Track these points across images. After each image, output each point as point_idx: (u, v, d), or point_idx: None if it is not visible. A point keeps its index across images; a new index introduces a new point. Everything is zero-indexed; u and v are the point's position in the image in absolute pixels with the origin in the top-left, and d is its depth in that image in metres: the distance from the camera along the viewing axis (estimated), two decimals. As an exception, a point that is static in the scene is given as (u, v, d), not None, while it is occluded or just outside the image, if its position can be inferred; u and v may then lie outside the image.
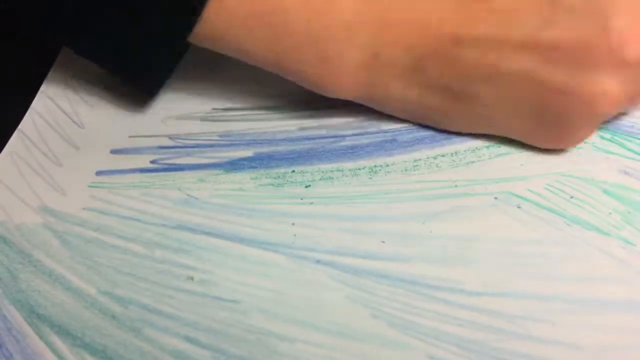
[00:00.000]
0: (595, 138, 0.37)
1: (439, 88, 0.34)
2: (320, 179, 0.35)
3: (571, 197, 0.34)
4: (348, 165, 0.36)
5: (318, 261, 0.31)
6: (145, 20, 0.33)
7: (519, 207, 0.34)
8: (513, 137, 0.36)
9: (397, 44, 0.33)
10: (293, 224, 0.33)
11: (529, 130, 0.35)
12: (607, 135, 0.37)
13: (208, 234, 0.33)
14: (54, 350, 0.29)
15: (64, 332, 0.30)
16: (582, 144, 0.36)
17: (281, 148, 0.37)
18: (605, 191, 0.34)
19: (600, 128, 0.37)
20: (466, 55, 0.33)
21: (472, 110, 0.35)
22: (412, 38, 0.33)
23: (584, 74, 0.31)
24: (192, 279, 0.31)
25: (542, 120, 0.34)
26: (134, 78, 0.38)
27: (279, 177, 0.36)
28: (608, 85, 0.31)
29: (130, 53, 0.35)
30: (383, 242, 0.32)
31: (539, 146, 0.36)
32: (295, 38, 0.33)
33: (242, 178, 0.36)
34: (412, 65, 0.34)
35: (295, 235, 0.33)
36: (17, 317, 0.30)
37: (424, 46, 0.33)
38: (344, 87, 0.35)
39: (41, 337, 0.30)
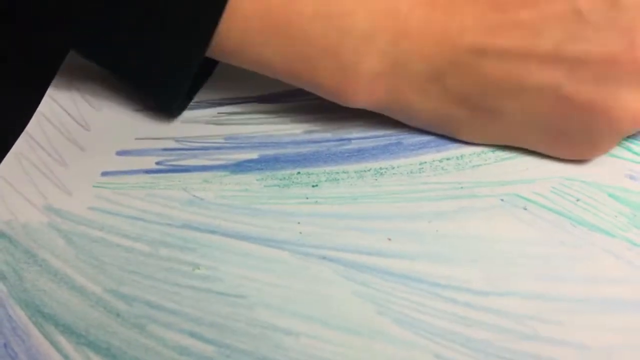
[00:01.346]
0: (601, 142, 0.37)
1: (458, 99, 0.33)
2: (325, 180, 0.35)
3: (577, 200, 0.34)
4: (353, 167, 0.36)
5: (324, 257, 0.31)
6: (162, 34, 0.33)
7: (525, 209, 0.33)
8: (532, 149, 0.35)
9: (415, 53, 0.32)
10: (299, 222, 0.33)
11: (550, 143, 0.35)
12: (613, 139, 0.37)
13: (213, 232, 0.33)
14: (59, 350, 0.29)
15: (69, 331, 0.30)
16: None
17: (287, 150, 0.37)
18: (611, 195, 0.34)
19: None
20: (488, 66, 0.32)
21: (492, 122, 0.34)
22: (431, 47, 0.32)
23: (609, 90, 0.31)
24: (198, 268, 0.31)
25: (564, 134, 0.33)
26: (154, 94, 0.38)
27: (284, 178, 0.36)
28: (632, 101, 0.31)
29: (147, 68, 0.35)
30: (389, 239, 0.32)
31: (562, 157, 0.35)
32: (312, 48, 0.32)
33: (248, 179, 0.36)
34: (431, 75, 0.33)
35: (300, 233, 0.33)
36: (22, 317, 0.30)
37: (443, 56, 0.32)
38: (361, 97, 0.34)
39: (46, 337, 0.29)
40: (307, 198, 0.34)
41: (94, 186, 0.36)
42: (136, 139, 0.38)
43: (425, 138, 0.37)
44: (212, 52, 0.33)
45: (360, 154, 0.37)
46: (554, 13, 0.31)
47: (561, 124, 0.33)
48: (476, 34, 0.31)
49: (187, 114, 0.40)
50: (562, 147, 0.35)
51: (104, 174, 0.36)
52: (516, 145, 0.36)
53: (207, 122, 0.39)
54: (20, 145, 0.38)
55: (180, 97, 0.37)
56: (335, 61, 0.32)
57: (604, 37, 0.30)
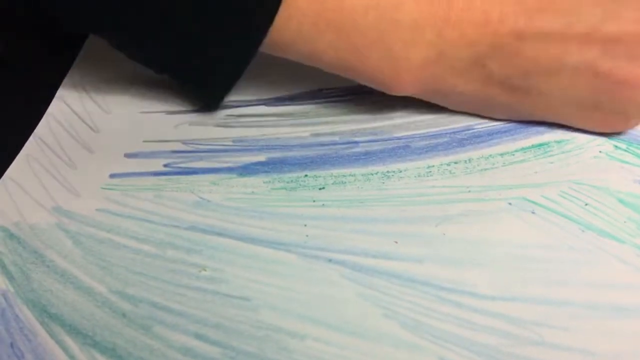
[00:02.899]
0: (609, 147, 0.36)
1: (499, 82, 0.35)
2: (332, 184, 0.35)
3: (586, 205, 0.34)
4: (361, 170, 0.36)
5: (330, 260, 0.31)
6: (218, 28, 0.33)
7: (533, 213, 0.33)
8: (569, 124, 0.37)
9: (459, 42, 0.33)
10: (305, 225, 0.33)
11: (585, 117, 0.36)
12: (622, 145, 0.37)
13: (220, 234, 0.33)
14: (65, 349, 0.29)
15: (75, 331, 0.30)
16: (597, 153, 0.36)
17: (294, 153, 0.37)
18: (620, 200, 0.34)
19: (615, 138, 0.37)
20: (527, 49, 0.33)
21: (532, 101, 0.36)
22: (473, 34, 0.33)
23: None
24: (204, 269, 0.31)
25: (599, 109, 0.35)
26: (199, 86, 0.39)
27: (291, 181, 0.36)
28: None
29: (198, 59, 0.36)
30: (396, 242, 0.32)
31: (596, 130, 0.37)
32: (363, 39, 0.33)
33: (255, 182, 0.36)
34: (473, 60, 0.34)
35: (307, 235, 0.33)
36: (29, 317, 0.30)
37: (485, 42, 0.33)
38: (407, 85, 0.35)
39: (52, 336, 0.29)
40: (314, 201, 0.34)
41: (102, 188, 0.36)
42: (144, 141, 0.39)
43: (433, 142, 0.37)
44: (266, 46, 0.34)
45: (367, 157, 0.37)
46: None
47: (597, 99, 0.35)
48: (516, 18, 0.33)
49: (195, 116, 0.40)
50: (597, 120, 0.36)
51: (112, 175, 0.36)
52: (552, 120, 0.37)
53: (216, 125, 0.39)
54: (29, 147, 0.38)
55: (229, 89, 0.39)
56: (386, 52, 0.33)
57: (638, 16, 0.33)
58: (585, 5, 0.33)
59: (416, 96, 0.37)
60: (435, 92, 0.37)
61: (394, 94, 0.36)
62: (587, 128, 0.37)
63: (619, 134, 0.37)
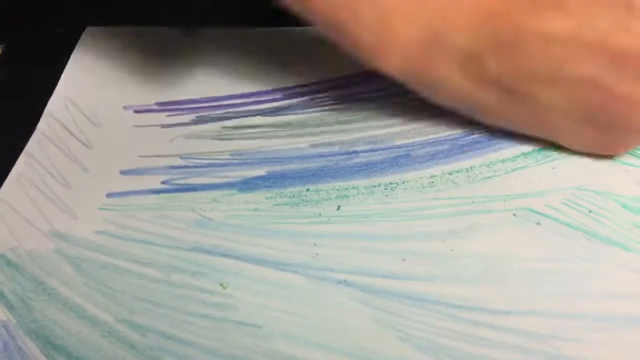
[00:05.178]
0: (611, 150, 0.36)
1: (493, 81, 0.33)
2: (335, 197, 0.35)
3: (590, 212, 0.34)
4: (363, 183, 0.36)
5: (339, 282, 0.31)
6: None
7: (538, 224, 0.33)
8: (559, 142, 0.35)
9: (459, 28, 0.32)
10: (315, 244, 0.33)
11: (580, 135, 0.34)
12: (624, 147, 0.36)
13: (225, 255, 0.32)
14: None
15: (82, 364, 0.29)
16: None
17: (294, 166, 0.37)
18: (624, 205, 0.34)
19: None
20: (528, 48, 0.31)
21: (523, 108, 0.34)
22: (475, 23, 0.32)
23: None
24: (222, 286, 0.31)
25: (596, 127, 0.33)
26: None
27: (293, 196, 0.35)
28: None
29: None
30: (404, 260, 0.32)
31: (584, 151, 0.35)
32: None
33: (257, 198, 0.35)
34: (470, 53, 0.32)
35: (314, 255, 0.32)
36: (33, 350, 0.29)
37: (486, 33, 0.32)
38: (394, 59, 0.33)
39: (58, 370, 0.29)
40: (320, 215, 0.34)
41: (99, 209, 0.35)
42: (139, 156, 0.38)
43: (433, 149, 0.37)
44: None
45: (369, 168, 0.36)
46: (605, 1, 0.31)
47: (592, 114, 0.33)
48: (521, 14, 0.31)
49: (190, 129, 0.39)
50: (591, 139, 0.34)
51: (109, 195, 0.36)
52: (542, 136, 0.36)
53: (212, 138, 0.39)
54: (20, 165, 0.37)
55: None
56: (381, 15, 0.32)
57: None
58: (596, 12, 0.31)
59: (404, 80, 0.35)
60: (424, 79, 0.34)
61: (379, 67, 0.34)
62: (575, 147, 0.35)
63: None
